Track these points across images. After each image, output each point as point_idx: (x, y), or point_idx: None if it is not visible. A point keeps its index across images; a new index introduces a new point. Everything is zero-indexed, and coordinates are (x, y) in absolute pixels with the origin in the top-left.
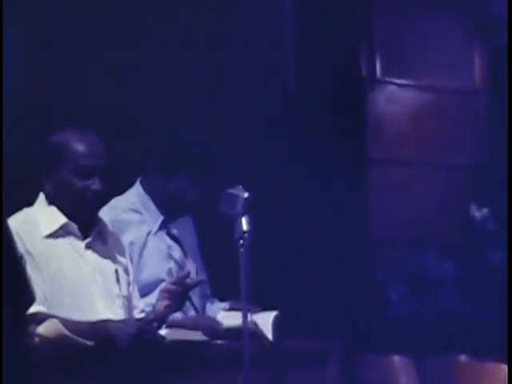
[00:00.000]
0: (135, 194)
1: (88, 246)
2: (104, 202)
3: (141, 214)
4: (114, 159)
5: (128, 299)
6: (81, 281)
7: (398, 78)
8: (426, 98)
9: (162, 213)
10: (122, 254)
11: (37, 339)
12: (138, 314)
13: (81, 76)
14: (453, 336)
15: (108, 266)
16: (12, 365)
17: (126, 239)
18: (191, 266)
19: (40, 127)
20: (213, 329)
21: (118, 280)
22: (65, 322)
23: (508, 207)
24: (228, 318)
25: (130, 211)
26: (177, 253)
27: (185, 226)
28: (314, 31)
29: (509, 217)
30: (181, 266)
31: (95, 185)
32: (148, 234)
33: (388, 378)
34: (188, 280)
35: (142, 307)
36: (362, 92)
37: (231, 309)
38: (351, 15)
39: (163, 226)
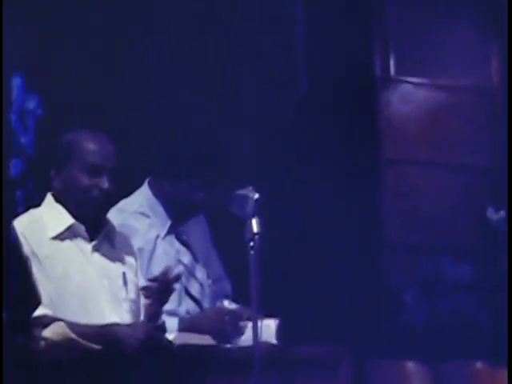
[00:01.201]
0: (143, 197)
1: (95, 249)
2: (112, 203)
3: (149, 217)
4: (122, 159)
5: (136, 303)
6: (87, 284)
7: (413, 77)
8: (441, 98)
9: (171, 216)
10: (131, 256)
11: (43, 342)
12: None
13: (92, 77)
14: (468, 342)
15: (115, 268)
16: (17, 367)
17: (134, 244)
18: (202, 271)
19: (50, 127)
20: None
21: (125, 283)
22: (71, 325)
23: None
24: None
25: (138, 215)
26: (186, 257)
27: (197, 227)
28: (327, 30)
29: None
30: (190, 271)
31: (103, 184)
32: (156, 238)
33: None
34: (170, 276)
35: None
36: (375, 91)
37: None
38: (365, 13)
39: (172, 231)
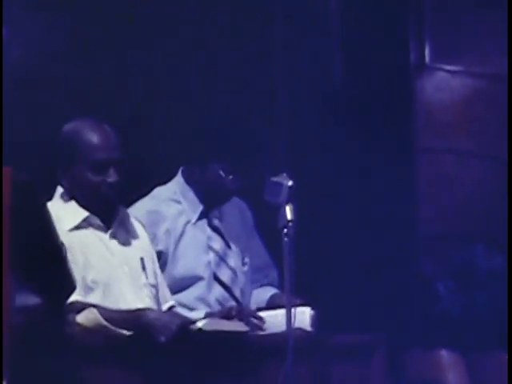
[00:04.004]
0: (176, 184)
1: (112, 236)
2: (122, 192)
3: (180, 203)
4: (158, 150)
5: (156, 288)
6: (108, 271)
7: (449, 64)
8: (477, 86)
9: (202, 201)
10: (146, 242)
11: (76, 328)
12: (165, 306)
13: (117, 69)
14: (503, 332)
15: (133, 254)
16: (51, 353)
17: (162, 228)
18: (235, 257)
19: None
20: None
21: (143, 268)
22: (103, 311)
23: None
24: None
25: (170, 201)
26: (217, 243)
27: (235, 212)
28: (363, 17)
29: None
30: (221, 258)
31: (110, 178)
32: (186, 224)
33: (435, 375)
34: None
35: (172, 303)
36: (411, 79)
37: (269, 307)
38: (401, 1)
39: (203, 216)
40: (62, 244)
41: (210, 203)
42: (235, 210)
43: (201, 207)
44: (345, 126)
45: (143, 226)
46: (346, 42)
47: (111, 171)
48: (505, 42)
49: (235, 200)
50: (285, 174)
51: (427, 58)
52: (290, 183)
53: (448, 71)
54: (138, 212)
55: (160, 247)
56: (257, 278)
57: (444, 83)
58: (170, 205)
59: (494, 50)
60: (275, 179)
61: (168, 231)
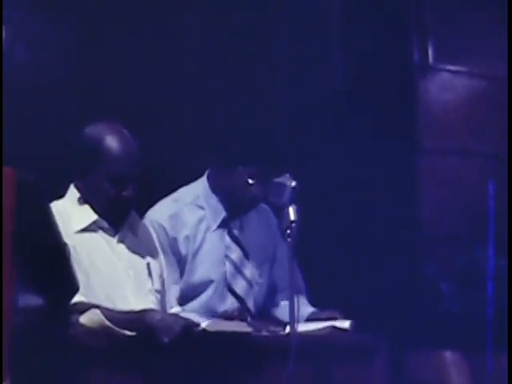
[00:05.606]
0: (201, 188)
1: (120, 240)
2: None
3: (203, 209)
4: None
5: (161, 293)
6: (113, 275)
7: (452, 65)
8: (481, 86)
9: (226, 209)
10: (154, 247)
11: (79, 329)
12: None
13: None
14: (505, 333)
15: (140, 260)
16: (54, 353)
17: (182, 234)
18: (252, 269)
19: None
20: None
21: (149, 274)
22: (106, 312)
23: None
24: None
25: (193, 206)
26: (235, 254)
27: (260, 224)
28: (365, 17)
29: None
30: (238, 268)
31: (127, 192)
32: (206, 230)
33: (438, 376)
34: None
35: (178, 309)
36: (414, 80)
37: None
38: (403, 0)
39: (224, 225)
40: (66, 244)
41: (234, 210)
42: (261, 219)
43: (222, 215)
44: (348, 127)
45: (156, 230)
46: (348, 43)
47: (129, 185)
48: (508, 43)
49: (263, 208)
50: (288, 175)
51: (430, 59)
52: (294, 184)
53: (451, 72)
54: (160, 215)
55: (179, 253)
56: (282, 288)
57: (447, 84)
58: (192, 210)
59: (497, 50)
60: (278, 180)
61: (187, 238)
